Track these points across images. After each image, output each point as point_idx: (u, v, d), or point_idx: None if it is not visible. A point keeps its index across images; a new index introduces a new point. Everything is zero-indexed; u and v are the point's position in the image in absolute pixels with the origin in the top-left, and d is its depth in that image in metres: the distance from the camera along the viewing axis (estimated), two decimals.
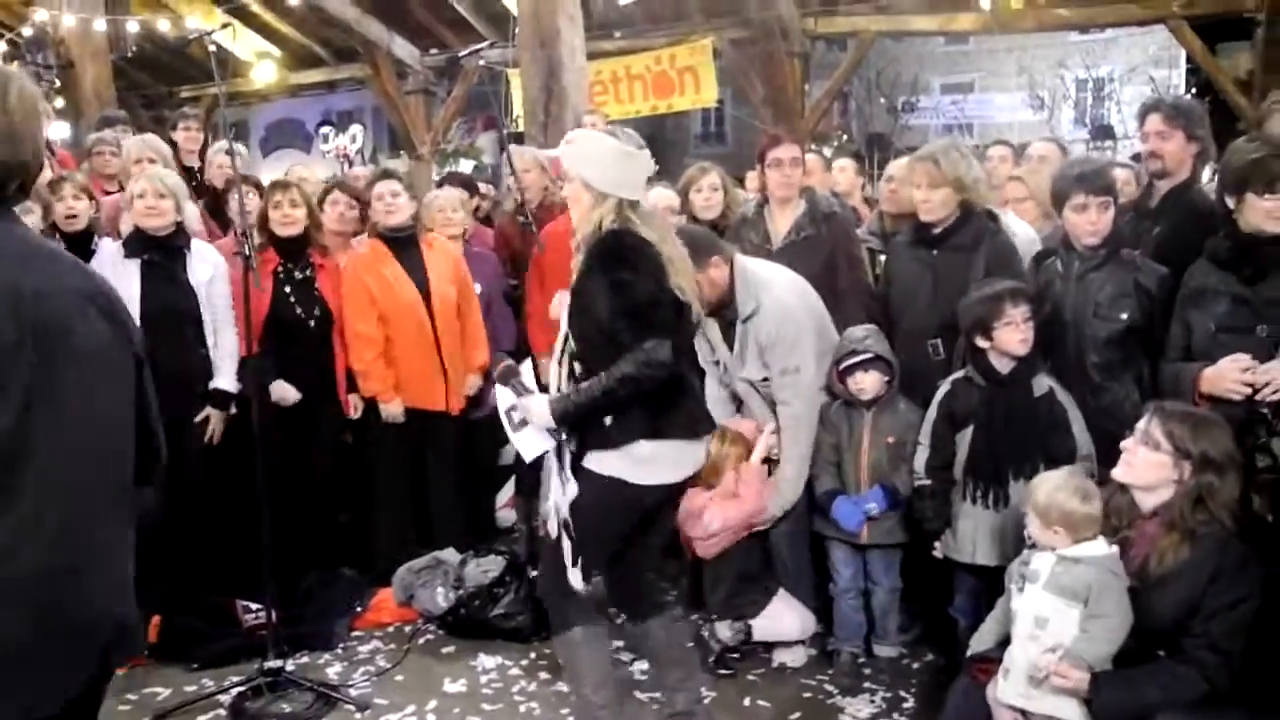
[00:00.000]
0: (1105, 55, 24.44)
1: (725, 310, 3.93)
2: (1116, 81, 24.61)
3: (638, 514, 3.14)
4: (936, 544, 3.67)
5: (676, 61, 12.27)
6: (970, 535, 3.57)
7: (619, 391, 2.94)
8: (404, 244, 4.66)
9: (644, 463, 3.01)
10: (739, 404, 4.15)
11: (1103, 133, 19.95)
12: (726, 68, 12.51)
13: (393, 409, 4.63)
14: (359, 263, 4.66)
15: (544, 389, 3.22)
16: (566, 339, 3.13)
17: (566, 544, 3.09)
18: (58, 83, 9.90)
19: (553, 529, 3.18)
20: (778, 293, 3.90)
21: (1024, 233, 4.21)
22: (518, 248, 5.37)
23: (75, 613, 1.86)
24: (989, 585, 3.50)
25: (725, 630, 3.96)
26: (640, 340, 2.90)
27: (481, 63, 7.28)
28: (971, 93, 27.61)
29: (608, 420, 2.99)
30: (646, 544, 3.30)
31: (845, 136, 20.26)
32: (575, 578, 3.08)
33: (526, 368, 3.32)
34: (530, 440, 3.21)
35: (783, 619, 4.02)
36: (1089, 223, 3.54)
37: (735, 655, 4.04)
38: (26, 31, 10.06)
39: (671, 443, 3.05)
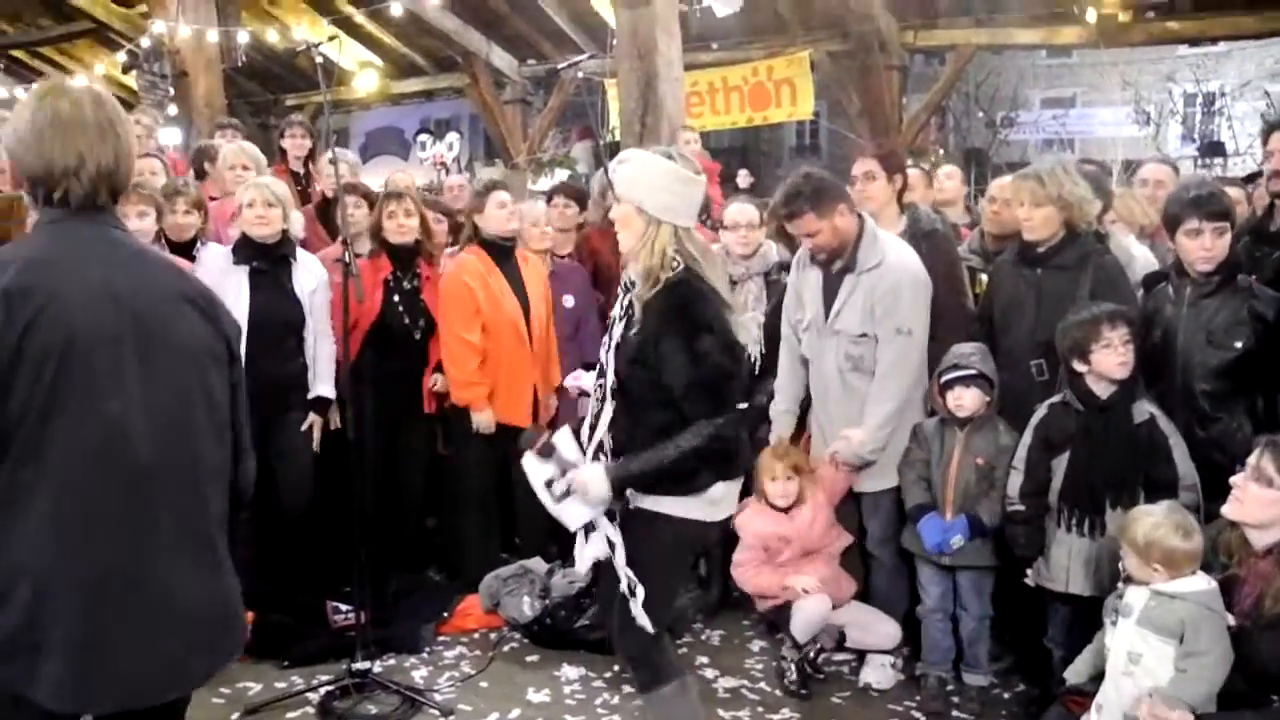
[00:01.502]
0: (1216, 69, 23.68)
1: (833, 262, 3.90)
2: (1228, 96, 23.82)
3: (699, 549, 3.11)
4: (1029, 571, 3.58)
5: (774, 73, 12.22)
6: (1064, 564, 3.47)
7: (685, 465, 2.82)
8: (505, 254, 4.68)
9: (717, 503, 2.93)
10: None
11: (1212, 149, 19.31)
12: (823, 80, 12.41)
13: (484, 419, 4.62)
14: (465, 268, 4.63)
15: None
16: (604, 379, 2.98)
17: (632, 593, 2.92)
18: (172, 91, 10.27)
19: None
20: (906, 256, 3.90)
21: (1143, 256, 4.10)
22: (606, 260, 5.31)
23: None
24: (1084, 615, 3.41)
25: (797, 654, 3.95)
26: (711, 415, 2.78)
27: (579, 74, 7.33)
28: (1073, 107, 26.97)
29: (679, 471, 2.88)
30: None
31: (942, 151, 19.94)
32: (646, 622, 2.91)
33: (565, 436, 3.06)
34: (575, 511, 2.98)
35: (873, 628, 4.00)
36: (1203, 248, 3.42)
37: (819, 676, 4.00)
38: (144, 43, 10.44)
39: (734, 483, 3.00)
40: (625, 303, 2.94)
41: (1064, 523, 3.47)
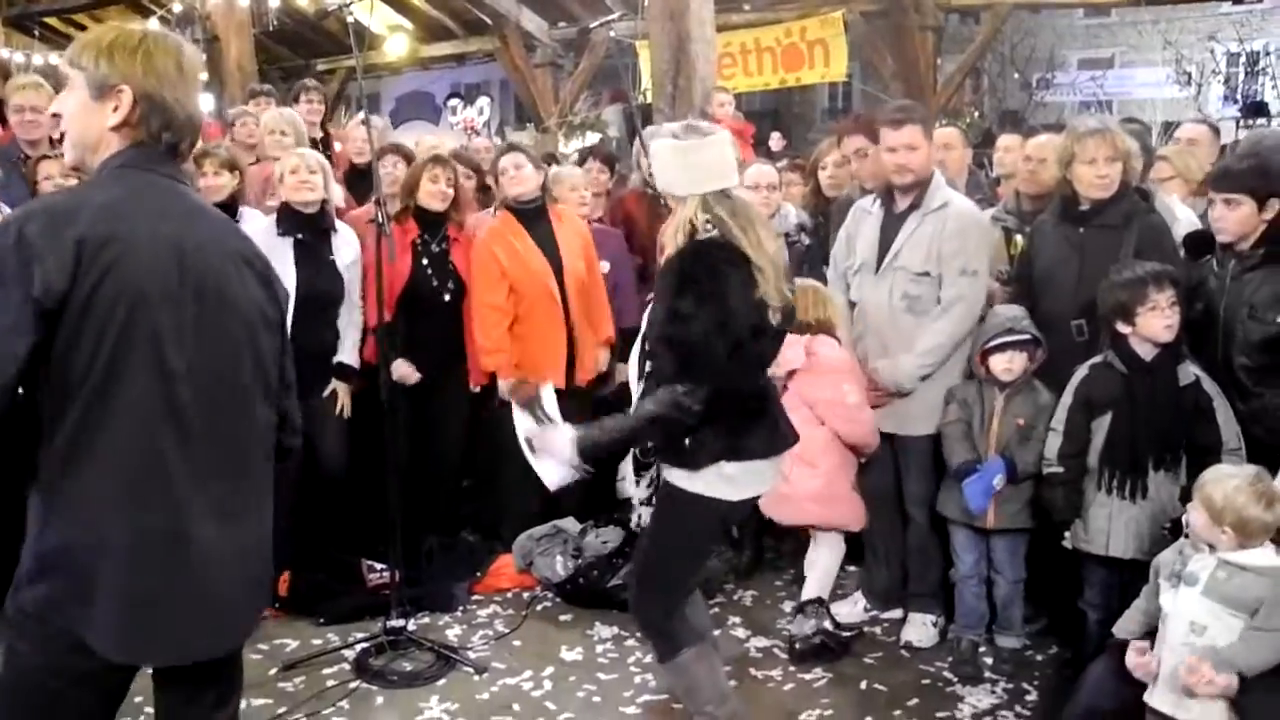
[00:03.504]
0: (1262, 28, 23.10)
1: (902, 198, 3.90)
2: (1273, 55, 23.27)
3: (724, 528, 3.09)
4: (1066, 534, 3.55)
5: (807, 34, 12.11)
6: (1104, 526, 3.44)
7: (644, 432, 2.83)
8: (533, 216, 4.63)
9: (730, 480, 2.88)
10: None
11: (1256, 110, 18.89)
12: (856, 41, 12.28)
13: (505, 385, 4.56)
14: (491, 234, 4.63)
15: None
16: (644, 338, 3.03)
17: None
18: (204, 56, 10.31)
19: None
20: (970, 202, 3.95)
21: (1186, 217, 4.03)
22: (641, 226, 5.26)
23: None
24: (1121, 578, 3.40)
25: (806, 625, 3.93)
26: (677, 380, 2.74)
27: (611, 34, 7.28)
28: (1111, 68, 26.41)
29: (687, 442, 2.85)
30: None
31: (977, 113, 19.67)
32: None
33: (548, 392, 3.11)
34: (550, 469, 3.05)
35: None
36: (1238, 220, 3.37)
37: (850, 634, 4.01)
38: (176, 8, 10.48)
39: (753, 463, 2.91)
40: None
41: (1104, 485, 3.43)
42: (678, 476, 2.90)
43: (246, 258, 2.07)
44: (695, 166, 2.85)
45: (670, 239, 2.88)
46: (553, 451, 2.94)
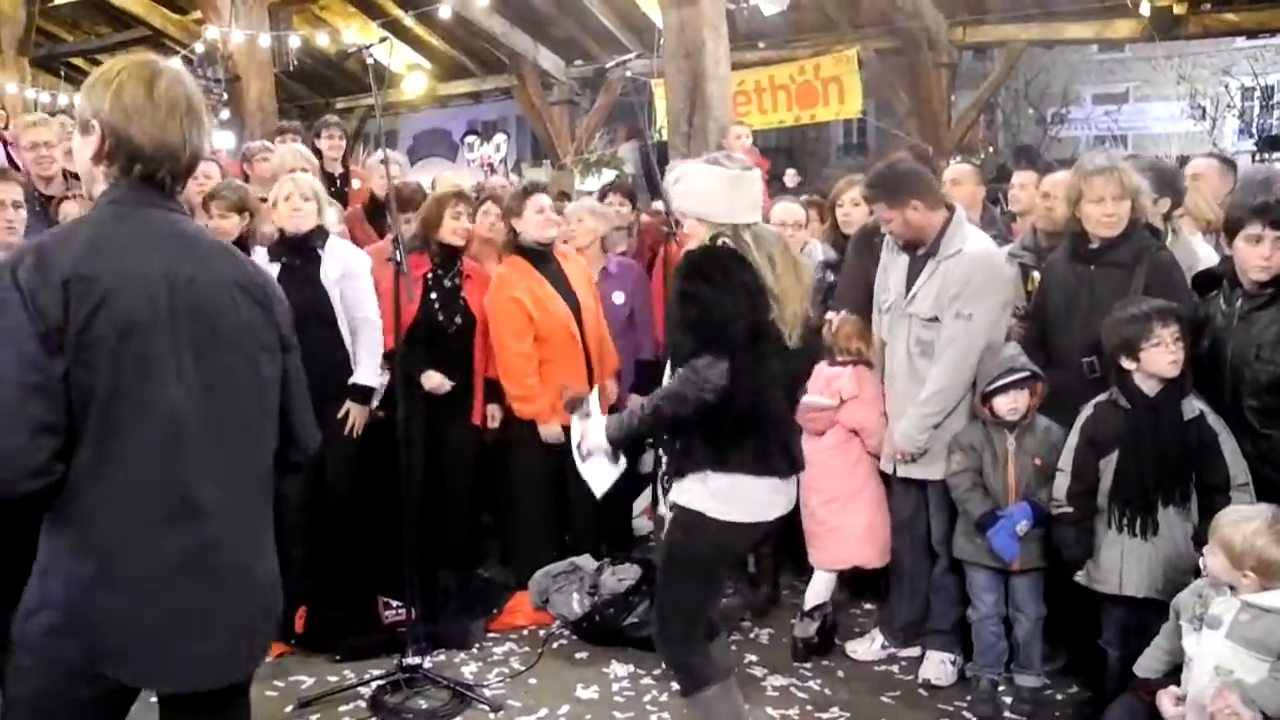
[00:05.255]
0: (1276, 62, 23.13)
1: (917, 249, 3.90)
2: None
3: (726, 556, 3.08)
4: (1080, 574, 3.52)
5: (821, 71, 12.17)
6: (1116, 565, 3.41)
7: (665, 408, 2.85)
8: (543, 258, 4.65)
9: (720, 496, 2.88)
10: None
11: (1271, 144, 18.89)
12: (871, 78, 12.34)
13: (551, 430, 4.55)
14: (506, 282, 4.60)
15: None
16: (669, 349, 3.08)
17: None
18: (225, 95, 10.47)
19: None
20: (989, 246, 3.94)
21: (1207, 257, 4.02)
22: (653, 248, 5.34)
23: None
24: (1140, 616, 3.37)
25: (811, 626, 4.16)
26: (695, 355, 2.78)
27: (626, 74, 7.35)
28: (1126, 102, 26.48)
29: (677, 444, 2.91)
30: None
31: (991, 148, 19.71)
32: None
33: (594, 396, 3.17)
34: (599, 471, 3.07)
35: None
36: (1261, 257, 3.32)
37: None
38: (198, 48, 10.64)
39: (743, 478, 2.88)
40: None
41: (1115, 523, 3.41)
42: (678, 492, 2.95)
43: (243, 284, 2.07)
44: (738, 196, 2.94)
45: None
46: (589, 437, 3.01)
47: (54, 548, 1.91)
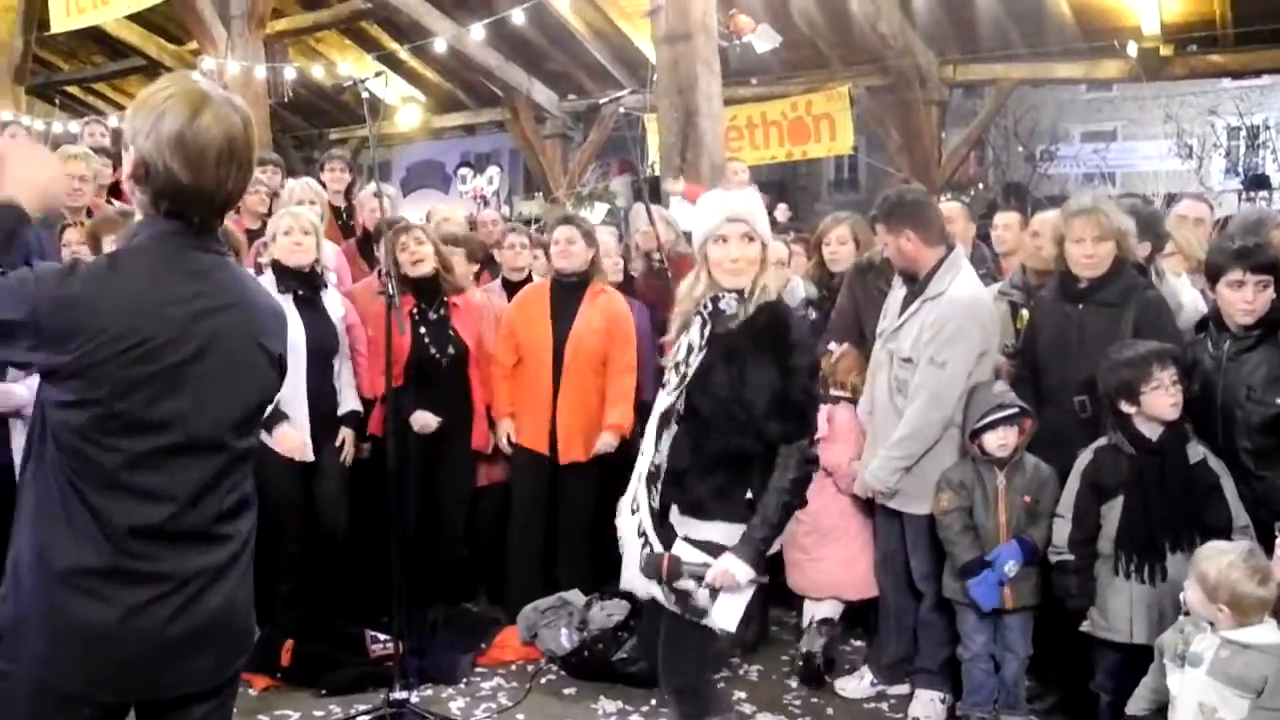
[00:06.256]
0: (1261, 102, 23.40)
1: (912, 281, 3.91)
2: (1272, 130, 23.53)
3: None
4: (1085, 624, 3.49)
5: (813, 108, 12.25)
6: (1125, 613, 3.36)
7: (794, 501, 2.87)
8: (569, 289, 4.74)
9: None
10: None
11: (1257, 183, 19.05)
12: (862, 115, 12.43)
13: (502, 426, 4.75)
14: (526, 292, 4.92)
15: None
16: (674, 407, 2.98)
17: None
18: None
19: (669, 602, 2.95)
20: (969, 291, 3.85)
21: (1191, 303, 4.01)
22: (652, 298, 5.24)
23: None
24: (1135, 660, 3.32)
25: (818, 641, 4.19)
26: (798, 437, 2.82)
27: (619, 109, 7.40)
28: (1114, 141, 26.75)
29: (748, 494, 2.89)
30: None
31: (981, 185, 19.86)
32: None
33: (683, 547, 2.93)
34: (729, 606, 2.89)
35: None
36: (1245, 301, 3.34)
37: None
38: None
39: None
40: (702, 328, 2.97)
41: (1122, 570, 3.37)
42: (693, 528, 2.93)
43: (261, 341, 2.04)
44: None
45: (753, 277, 2.93)
46: (738, 579, 2.84)
47: (17, 566, 1.89)
